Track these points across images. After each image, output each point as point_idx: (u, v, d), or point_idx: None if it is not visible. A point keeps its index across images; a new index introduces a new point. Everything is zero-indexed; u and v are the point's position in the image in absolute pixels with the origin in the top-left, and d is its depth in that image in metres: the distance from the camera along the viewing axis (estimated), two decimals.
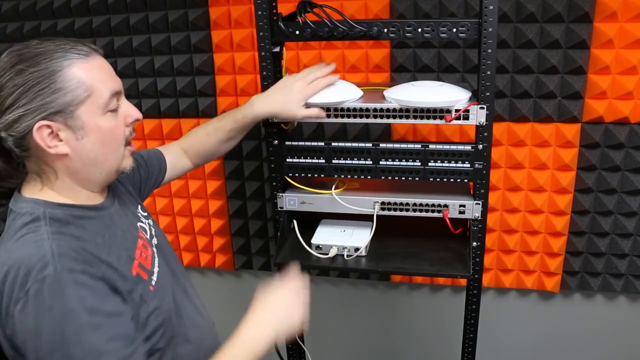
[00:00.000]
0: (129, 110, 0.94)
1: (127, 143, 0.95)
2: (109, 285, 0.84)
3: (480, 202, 1.20)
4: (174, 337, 0.98)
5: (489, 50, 1.09)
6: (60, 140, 0.85)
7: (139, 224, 1.05)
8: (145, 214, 1.12)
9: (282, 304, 0.99)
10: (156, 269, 1.00)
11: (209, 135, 1.26)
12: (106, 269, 0.85)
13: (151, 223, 1.11)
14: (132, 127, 0.96)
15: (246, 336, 0.93)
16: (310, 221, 1.36)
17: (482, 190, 1.20)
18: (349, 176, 1.24)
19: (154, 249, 1.04)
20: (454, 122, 1.13)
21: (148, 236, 1.05)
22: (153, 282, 0.96)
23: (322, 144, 1.24)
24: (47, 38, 0.87)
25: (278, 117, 1.21)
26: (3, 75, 0.83)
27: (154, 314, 0.92)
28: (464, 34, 1.11)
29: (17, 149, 0.85)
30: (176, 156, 1.28)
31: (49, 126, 0.83)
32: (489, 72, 1.10)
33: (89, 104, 0.86)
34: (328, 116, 1.19)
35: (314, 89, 1.17)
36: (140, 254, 0.97)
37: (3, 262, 0.80)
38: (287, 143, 1.26)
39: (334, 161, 1.24)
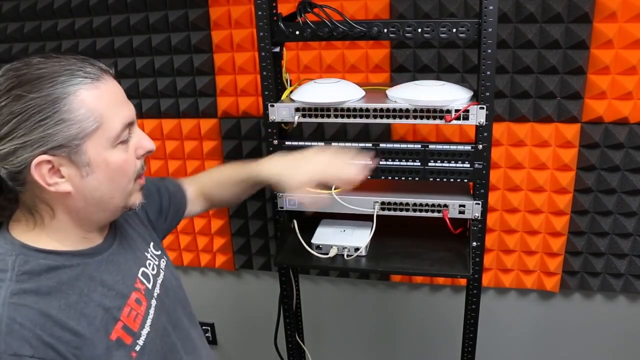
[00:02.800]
0: (141, 142, 0.82)
1: (138, 177, 0.84)
2: (67, 356, 0.72)
3: (480, 202, 1.20)
4: None
5: (489, 51, 1.09)
6: (62, 177, 0.75)
7: (141, 269, 0.92)
8: (158, 253, 1.00)
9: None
10: (145, 330, 0.86)
11: (223, 185, 1.17)
12: (70, 337, 0.73)
13: (162, 266, 0.99)
14: (144, 160, 0.85)
15: None
16: (310, 221, 1.36)
17: (482, 190, 1.20)
18: None
19: (153, 302, 0.91)
20: (454, 122, 1.13)
21: (150, 286, 0.92)
22: (137, 348, 0.83)
23: (322, 144, 1.24)
24: (50, 55, 0.75)
25: (279, 185, 1.10)
26: None
27: None
28: (463, 34, 1.11)
29: (12, 182, 0.74)
30: (194, 195, 1.17)
31: (49, 161, 0.72)
32: (488, 72, 1.10)
33: (97, 137, 0.75)
34: (328, 116, 1.19)
35: (329, 176, 1.09)
36: (129, 313, 0.84)
37: None
38: (287, 143, 1.26)
39: None
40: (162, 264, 1.00)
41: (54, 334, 0.72)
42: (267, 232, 1.93)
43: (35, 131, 0.71)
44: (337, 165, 1.10)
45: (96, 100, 0.74)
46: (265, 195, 1.87)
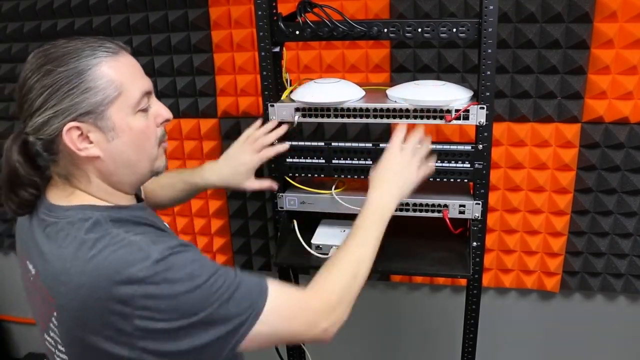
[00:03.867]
0: (159, 110, 0.92)
1: (161, 142, 0.93)
2: None
3: (480, 202, 1.20)
4: None
5: (489, 50, 1.08)
6: (91, 142, 0.82)
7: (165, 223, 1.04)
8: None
9: (397, 163, 1.06)
10: None
11: (161, 188, 1.25)
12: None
13: None
14: (164, 127, 0.94)
15: (377, 203, 1.03)
16: (310, 221, 1.36)
17: (482, 190, 1.20)
18: (349, 176, 1.24)
19: None
20: (454, 122, 1.13)
21: None
22: None
23: (322, 144, 1.24)
24: (74, 37, 0.84)
25: (229, 187, 1.26)
26: (31, 77, 0.79)
27: None
28: (464, 34, 1.11)
29: (46, 152, 0.82)
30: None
31: (78, 127, 0.80)
32: (489, 72, 1.10)
33: (119, 104, 0.82)
34: (328, 116, 1.19)
35: (260, 158, 1.22)
36: None
37: (96, 272, 0.75)
38: (287, 143, 1.26)
39: (334, 161, 1.24)
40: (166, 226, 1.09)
41: (172, 236, 0.85)
42: (267, 232, 1.93)
43: (65, 100, 0.79)
44: (262, 152, 1.23)
45: (116, 71, 0.82)
46: (265, 195, 1.87)
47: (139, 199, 1.00)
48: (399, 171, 1.06)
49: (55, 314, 0.80)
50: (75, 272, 0.76)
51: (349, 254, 0.99)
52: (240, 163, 1.22)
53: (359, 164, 1.23)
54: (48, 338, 0.86)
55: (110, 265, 0.75)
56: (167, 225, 1.06)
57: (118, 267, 0.74)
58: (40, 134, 0.80)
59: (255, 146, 1.21)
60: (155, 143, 0.91)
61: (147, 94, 0.88)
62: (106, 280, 0.74)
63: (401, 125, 1.11)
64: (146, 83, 0.88)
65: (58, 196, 0.86)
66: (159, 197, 1.26)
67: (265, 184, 1.25)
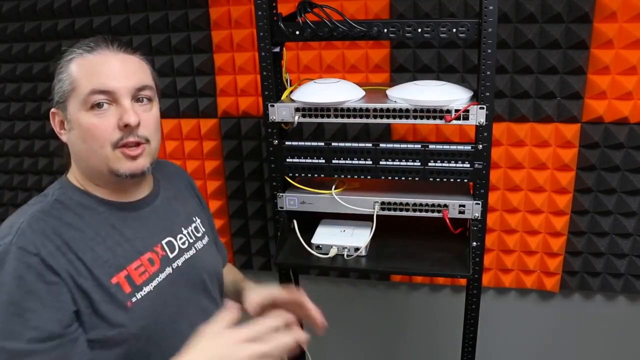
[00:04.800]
0: (123, 114, 0.88)
1: (117, 146, 0.89)
2: (65, 278, 0.82)
3: (480, 202, 1.20)
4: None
5: (489, 51, 1.09)
6: (65, 129, 0.92)
7: (168, 239, 1.00)
8: (199, 234, 1.09)
9: (226, 343, 0.77)
10: (148, 288, 0.92)
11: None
12: (74, 260, 0.84)
13: (197, 245, 1.07)
14: (126, 133, 0.89)
15: None
16: (310, 221, 1.36)
17: (482, 190, 1.20)
18: (349, 176, 1.25)
19: (167, 269, 0.97)
20: (454, 122, 1.13)
21: (171, 255, 0.99)
22: (134, 299, 0.89)
23: (322, 144, 1.24)
24: (95, 37, 0.93)
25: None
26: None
27: (117, 330, 0.86)
28: (463, 34, 1.11)
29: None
30: None
31: (54, 114, 0.92)
32: (488, 72, 1.10)
33: (73, 98, 0.89)
34: (328, 116, 1.19)
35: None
36: (138, 267, 0.92)
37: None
38: (287, 143, 1.26)
39: (334, 161, 1.24)
40: (199, 245, 1.08)
41: (60, 248, 0.84)
42: (267, 232, 1.93)
43: (54, 88, 0.91)
44: None
45: (77, 67, 0.89)
46: (265, 195, 1.87)
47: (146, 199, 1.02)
48: (225, 350, 0.76)
49: None
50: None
51: None
52: (255, 294, 1.11)
53: (359, 164, 1.23)
54: None
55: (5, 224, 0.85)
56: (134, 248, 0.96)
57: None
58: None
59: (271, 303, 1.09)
60: (106, 145, 0.89)
61: (103, 92, 0.88)
62: None
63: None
64: (104, 82, 0.87)
65: (70, 170, 0.97)
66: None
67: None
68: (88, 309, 0.84)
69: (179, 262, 1.01)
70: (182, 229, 1.06)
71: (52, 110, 0.93)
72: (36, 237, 0.82)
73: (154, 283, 0.94)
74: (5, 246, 0.81)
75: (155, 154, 0.97)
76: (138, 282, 0.91)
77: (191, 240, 1.06)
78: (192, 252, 1.05)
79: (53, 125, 0.94)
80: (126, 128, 0.89)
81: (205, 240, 1.11)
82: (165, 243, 1.00)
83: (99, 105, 0.88)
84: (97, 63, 0.89)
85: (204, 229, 1.13)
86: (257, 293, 1.11)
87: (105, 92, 0.88)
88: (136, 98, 0.92)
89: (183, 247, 1.03)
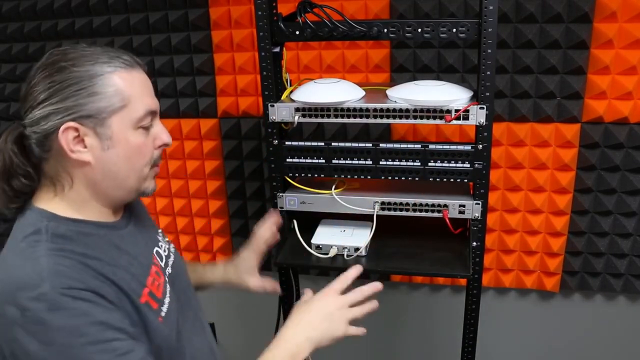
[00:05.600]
0: (161, 134, 0.90)
1: (154, 165, 0.91)
2: (117, 304, 0.79)
3: (480, 202, 1.20)
4: None
5: (489, 51, 1.09)
6: (85, 147, 0.81)
7: (155, 248, 1.00)
8: (167, 239, 1.09)
9: (329, 308, 0.99)
10: (167, 299, 0.93)
11: None
12: (110, 285, 0.80)
13: (171, 249, 1.07)
14: (160, 152, 0.92)
15: (290, 341, 0.93)
16: (310, 221, 1.36)
17: (482, 190, 1.20)
18: (349, 176, 1.24)
19: (166, 278, 0.98)
20: (454, 122, 1.13)
21: (163, 264, 1.00)
22: (162, 314, 0.89)
23: (322, 144, 1.24)
24: (94, 44, 0.88)
25: (234, 286, 1.24)
26: (43, 71, 0.80)
27: (156, 349, 0.86)
28: (463, 34, 1.11)
29: (38, 147, 0.82)
30: None
31: (76, 129, 0.80)
32: (488, 72, 1.10)
33: (122, 115, 0.82)
34: (328, 116, 1.19)
35: (259, 254, 1.24)
36: (153, 282, 0.91)
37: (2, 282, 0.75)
38: (287, 143, 1.26)
39: (334, 161, 1.24)
40: (172, 248, 1.08)
41: (98, 278, 0.78)
42: None
43: (69, 99, 0.79)
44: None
45: (126, 84, 0.83)
46: (265, 195, 1.87)
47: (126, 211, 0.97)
48: (326, 317, 0.98)
49: None
50: None
51: None
52: (240, 258, 1.23)
53: (359, 164, 1.23)
54: None
55: (11, 280, 0.74)
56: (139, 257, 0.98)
57: (13, 287, 0.73)
58: (37, 127, 0.80)
59: (255, 241, 1.23)
60: (148, 163, 0.89)
61: (152, 113, 0.88)
62: (3, 294, 0.74)
63: (355, 269, 1.08)
64: (153, 103, 0.88)
65: (39, 198, 0.85)
66: None
67: (268, 284, 1.23)
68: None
69: (169, 269, 1.01)
70: (157, 237, 1.05)
71: (70, 124, 0.79)
72: (73, 272, 0.76)
73: (167, 294, 0.94)
74: (49, 294, 0.72)
75: None
76: (159, 296, 0.91)
77: (166, 246, 1.06)
78: (171, 257, 1.05)
79: (63, 142, 0.79)
80: (160, 148, 0.91)
81: (167, 240, 1.10)
82: (155, 253, 0.99)
83: (147, 126, 0.87)
84: (142, 81, 0.87)
85: (160, 230, 1.12)
86: (248, 264, 1.22)
87: (154, 112, 0.88)
88: None
89: (165, 254, 1.03)
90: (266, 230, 1.24)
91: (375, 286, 1.06)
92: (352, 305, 1.02)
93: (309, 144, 1.24)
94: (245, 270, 1.22)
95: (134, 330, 0.80)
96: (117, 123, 0.82)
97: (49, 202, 0.84)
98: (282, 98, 1.24)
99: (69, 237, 0.80)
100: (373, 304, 1.06)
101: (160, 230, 1.09)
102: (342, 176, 1.25)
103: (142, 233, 0.98)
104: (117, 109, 0.82)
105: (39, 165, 0.85)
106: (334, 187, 1.28)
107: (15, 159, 0.83)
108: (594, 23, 1.44)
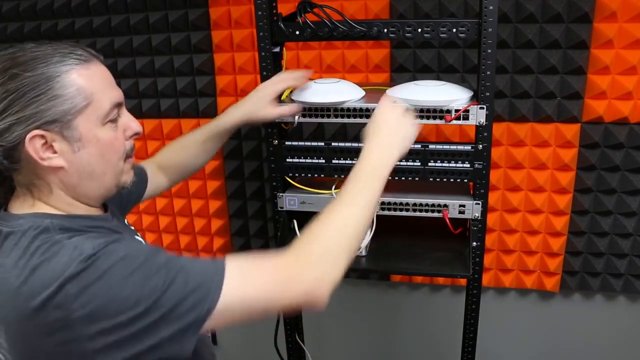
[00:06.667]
0: (130, 123, 0.87)
1: (127, 157, 0.88)
2: None
3: (480, 202, 1.20)
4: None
5: (489, 51, 1.09)
6: (55, 152, 0.78)
7: (137, 237, 0.99)
8: (132, 228, 1.07)
9: (393, 117, 1.01)
10: None
11: (183, 149, 1.24)
12: None
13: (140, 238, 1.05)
14: (133, 141, 0.89)
15: (371, 158, 0.95)
16: (310, 221, 1.36)
17: (482, 190, 1.20)
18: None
19: None
20: (454, 122, 1.13)
21: None
22: None
23: (322, 144, 1.24)
24: (43, 42, 0.81)
25: (252, 119, 1.21)
26: None
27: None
28: (463, 34, 1.11)
29: (6, 160, 0.77)
30: (152, 172, 1.22)
31: (42, 136, 0.76)
32: (488, 72, 1.10)
33: (87, 114, 0.79)
34: (328, 116, 1.19)
35: (281, 85, 1.19)
36: None
37: (32, 281, 0.71)
38: (287, 143, 1.26)
39: (334, 161, 1.24)
40: (140, 237, 1.05)
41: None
42: (267, 232, 1.93)
43: (29, 107, 0.75)
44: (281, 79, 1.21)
45: (86, 80, 0.79)
46: (265, 195, 1.87)
47: (107, 208, 0.95)
48: (396, 125, 1.01)
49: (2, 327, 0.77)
50: (12, 281, 0.72)
51: (334, 212, 0.88)
52: (261, 92, 1.20)
53: None
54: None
55: (47, 273, 0.71)
56: (141, 238, 1.01)
57: (55, 274, 0.70)
58: (1, 140, 0.75)
59: (274, 79, 1.21)
60: (122, 156, 0.87)
61: (118, 105, 0.85)
62: (42, 287, 0.70)
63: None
64: (117, 94, 0.85)
65: (18, 207, 0.82)
66: (184, 159, 1.25)
67: (287, 108, 1.20)
68: None
69: None
70: (130, 227, 1.04)
71: (35, 133, 0.75)
72: (99, 239, 0.76)
73: None
74: (100, 251, 0.72)
75: None
76: None
77: (138, 235, 1.04)
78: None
79: (32, 152, 0.76)
80: (132, 137, 0.88)
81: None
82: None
83: (115, 118, 0.84)
84: (102, 74, 0.83)
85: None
86: (265, 94, 1.20)
87: (120, 104, 0.85)
88: None
89: (141, 239, 1.02)
90: (292, 76, 1.22)
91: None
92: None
93: (309, 144, 1.25)
94: (264, 99, 1.20)
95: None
96: (83, 123, 0.79)
97: (32, 208, 0.81)
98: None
99: (75, 228, 0.79)
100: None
101: (126, 220, 1.07)
102: (342, 176, 1.25)
103: (122, 223, 0.99)
104: (81, 108, 0.78)
105: (9, 177, 0.82)
106: (334, 187, 1.28)
107: None
108: (594, 23, 1.44)
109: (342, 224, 0.87)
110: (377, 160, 0.95)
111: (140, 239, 1.00)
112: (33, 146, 0.76)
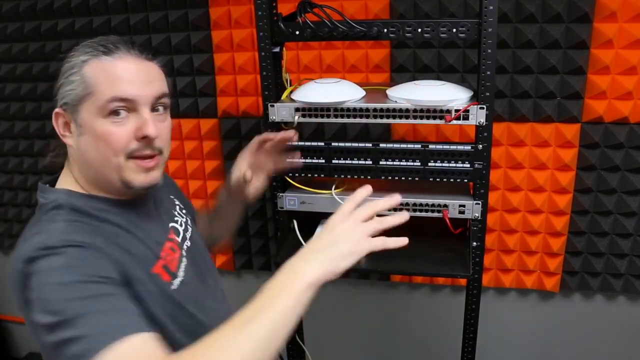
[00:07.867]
0: (142, 124, 0.86)
1: (131, 156, 0.86)
2: (117, 269, 0.79)
3: (480, 202, 1.20)
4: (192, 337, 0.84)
5: (489, 51, 1.09)
6: (70, 132, 0.88)
7: (171, 224, 1.02)
8: (184, 211, 1.11)
9: (340, 230, 0.84)
10: (181, 273, 0.94)
11: (212, 221, 1.27)
12: (121, 253, 0.83)
13: (189, 222, 1.08)
14: (143, 144, 0.87)
15: (288, 270, 0.81)
16: (310, 221, 1.36)
17: (482, 190, 1.20)
18: (349, 176, 1.24)
19: (184, 253, 0.99)
20: (454, 122, 1.13)
21: (180, 238, 1.01)
22: (173, 287, 0.91)
23: (322, 144, 1.24)
24: (110, 36, 0.90)
25: (237, 191, 1.20)
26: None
27: (170, 317, 0.87)
28: (463, 34, 1.11)
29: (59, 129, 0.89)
30: (201, 219, 1.25)
31: (62, 115, 0.87)
32: (488, 72, 1.10)
33: (88, 103, 0.84)
34: (328, 116, 1.19)
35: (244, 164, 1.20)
36: (166, 256, 0.93)
37: (22, 250, 0.78)
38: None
39: (334, 161, 1.24)
40: (189, 221, 1.10)
41: (108, 244, 0.82)
42: (267, 232, 1.93)
43: (61, 88, 0.87)
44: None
45: (94, 72, 0.85)
46: (265, 195, 1.87)
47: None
48: (336, 239, 0.84)
49: None
50: (17, 250, 0.80)
51: (230, 327, 0.72)
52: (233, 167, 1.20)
53: (359, 164, 1.23)
54: None
55: (23, 248, 0.78)
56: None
57: (25, 250, 0.77)
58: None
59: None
60: (120, 154, 0.85)
61: (123, 100, 0.84)
62: (18, 260, 0.77)
63: (364, 189, 0.92)
64: (127, 90, 0.84)
65: (61, 180, 0.92)
66: (218, 234, 1.29)
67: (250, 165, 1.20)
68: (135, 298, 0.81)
69: (187, 243, 1.03)
70: (173, 211, 1.07)
71: (57, 110, 0.87)
72: (84, 235, 0.80)
73: (182, 267, 0.96)
74: (57, 246, 0.76)
75: (165, 164, 0.94)
76: (173, 269, 0.93)
77: (183, 219, 1.07)
78: (189, 230, 1.07)
79: (55, 126, 0.88)
80: (144, 139, 0.86)
81: (185, 212, 1.12)
82: (171, 228, 1.01)
83: (116, 112, 0.84)
84: (118, 68, 0.85)
85: (179, 203, 1.13)
86: (239, 165, 1.19)
87: (126, 99, 0.85)
88: (154, 107, 0.89)
89: (182, 228, 1.04)
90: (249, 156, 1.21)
91: (403, 216, 0.92)
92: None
93: (309, 144, 1.24)
94: (237, 171, 1.19)
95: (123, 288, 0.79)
96: (85, 111, 0.85)
97: (65, 182, 0.91)
98: (282, 98, 1.24)
99: (85, 211, 0.85)
100: (403, 216, 0.91)
101: (178, 204, 1.11)
102: (342, 176, 1.25)
103: (160, 208, 1.02)
104: (83, 97, 0.84)
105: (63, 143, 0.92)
106: (334, 187, 1.28)
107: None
108: (594, 23, 1.44)
109: (235, 342, 0.70)
110: (290, 275, 0.80)
111: (181, 224, 1.04)
112: (57, 121, 0.88)
